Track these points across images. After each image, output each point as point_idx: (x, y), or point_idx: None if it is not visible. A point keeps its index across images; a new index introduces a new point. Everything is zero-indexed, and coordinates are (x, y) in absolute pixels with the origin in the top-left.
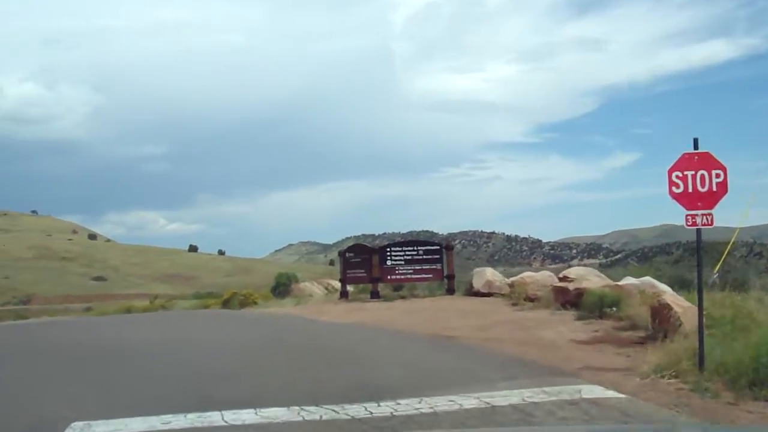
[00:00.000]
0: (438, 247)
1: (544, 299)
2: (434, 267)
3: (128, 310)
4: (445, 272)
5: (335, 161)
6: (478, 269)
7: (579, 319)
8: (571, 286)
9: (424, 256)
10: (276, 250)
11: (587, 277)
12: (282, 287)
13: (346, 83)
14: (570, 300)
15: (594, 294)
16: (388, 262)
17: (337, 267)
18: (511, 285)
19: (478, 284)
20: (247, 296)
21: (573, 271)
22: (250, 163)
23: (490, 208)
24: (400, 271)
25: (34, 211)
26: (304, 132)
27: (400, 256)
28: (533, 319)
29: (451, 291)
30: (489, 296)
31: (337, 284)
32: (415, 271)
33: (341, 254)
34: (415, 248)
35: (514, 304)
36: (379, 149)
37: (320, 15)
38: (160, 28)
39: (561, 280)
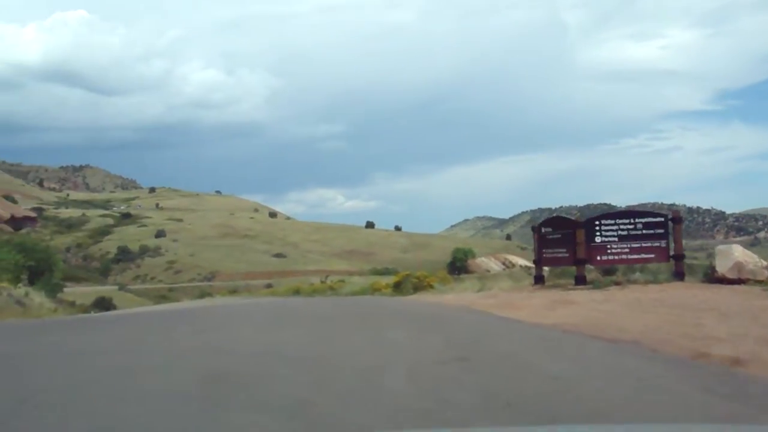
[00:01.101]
0: (662, 220)
1: None
2: (657, 244)
3: (297, 292)
4: (672, 251)
5: (509, 135)
6: (721, 247)
7: None
8: None
9: (644, 231)
10: (451, 225)
11: None
12: (459, 262)
13: (518, 57)
14: None
15: None
16: (597, 239)
17: (514, 241)
18: None
19: (722, 267)
20: (422, 279)
21: None
22: (425, 139)
23: (670, 179)
24: (614, 250)
25: (218, 192)
26: (477, 106)
27: (613, 231)
28: None
29: (680, 275)
30: (739, 283)
31: (516, 259)
32: (633, 250)
33: (535, 229)
34: (633, 221)
35: None
36: (553, 122)
37: None
38: (334, 9)
39: None
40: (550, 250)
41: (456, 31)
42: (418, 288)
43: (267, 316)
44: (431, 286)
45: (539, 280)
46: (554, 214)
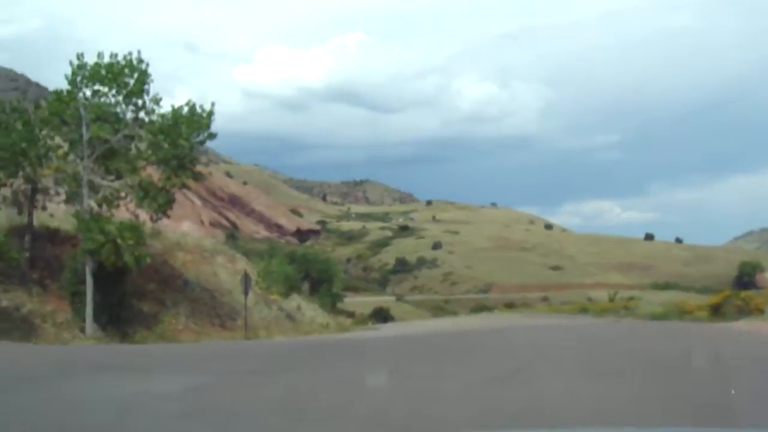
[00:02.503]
0: None
1: None
2: None
3: (584, 310)
4: None
5: None
6: None
7: None
8: None
9: None
10: (735, 237)
11: None
12: (746, 277)
13: None
14: None
15: None
16: None
17: None
18: None
19: None
20: (747, 300)
21: None
22: (704, 146)
23: None
24: None
25: (493, 204)
26: (763, 110)
27: None
28: None
29: None
30: None
31: None
32: None
33: None
34: None
35: None
36: None
37: None
38: (606, 16)
39: None
40: None
41: (738, 33)
42: (742, 311)
43: (582, 354)
44: (761, 311)
45: None
46: None
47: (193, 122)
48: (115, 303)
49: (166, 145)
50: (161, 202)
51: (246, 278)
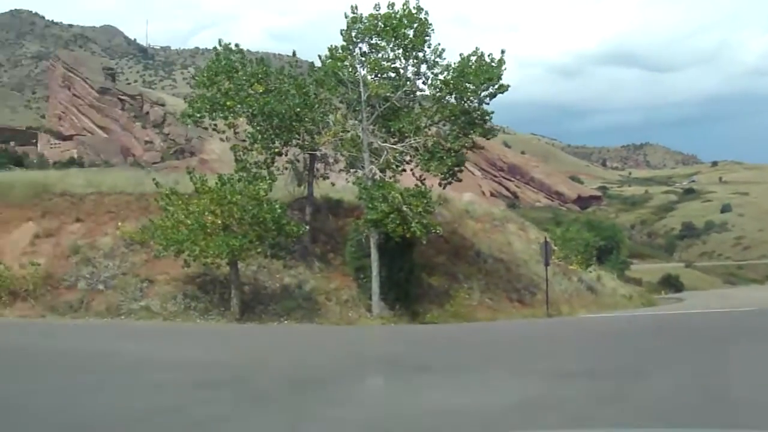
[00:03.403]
0: None
1: None
2: None
3: None
4: None
5: None
6: None
7: None
8: None
9: None
10: None
11: None
12: None
13: None
14: None
15: None
16: None
17: None
18: None
19: None
20: None
21: None
22: None
23: None
24: None
25: None
26: None
27: None
28: None
29: None
30: None
31: None
32: None
33: None
34: None
35: None
36: None
37: None
38: None
39: None
40: None
41: None
42: None
43: None
44: None
45: None
46: None
47: (481, 72)
48: (403, 278)
49: (452, 100)
50: (450, 164)
51: (546, 246)
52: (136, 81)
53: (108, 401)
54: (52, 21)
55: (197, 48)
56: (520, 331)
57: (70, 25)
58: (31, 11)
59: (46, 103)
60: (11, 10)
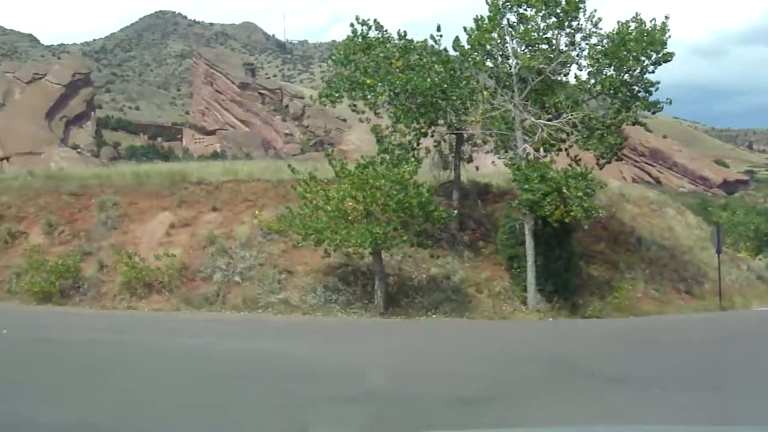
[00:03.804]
0: None
1: None
2: None
3: None
4: None
5: None
6: None
7: None
8: None
9: None
10: None
11: None
12: None
13: None
14: None
15: None
16: None
17: None
18: None
19: None
20: None
21: None
22: None
23: None
24: None
25: None
26: None
27: None
28: None
29: None
30: None
31: None
32: None
33: None
34: None
35: None
36: None
37: None
38: None
39: None
40: None
41: None
42: None
43: None
44: None
45: None
46: None
47: (643, 39)
48: (562, 267)
49: (611, 71)
50: (611, 141)
51: (719, 231)
52: (275, 75)
53: None
54: (195, 20)
55: (334, 41)
56: (706, 327)
57: (211, 24)
58: (174, 12)
59: (190, 100)
60: (156, 12)
